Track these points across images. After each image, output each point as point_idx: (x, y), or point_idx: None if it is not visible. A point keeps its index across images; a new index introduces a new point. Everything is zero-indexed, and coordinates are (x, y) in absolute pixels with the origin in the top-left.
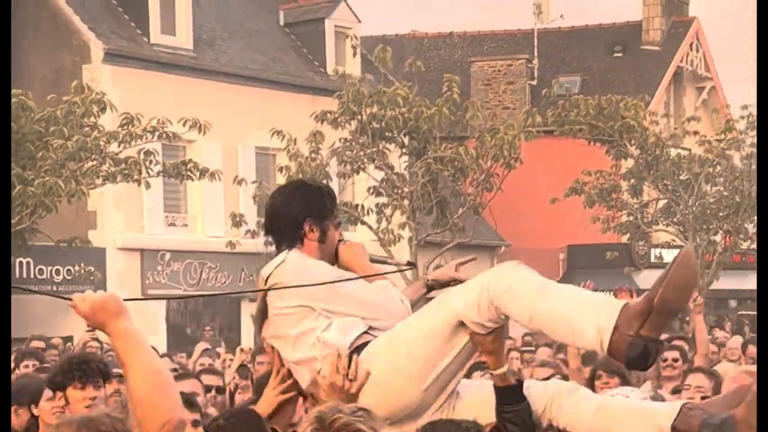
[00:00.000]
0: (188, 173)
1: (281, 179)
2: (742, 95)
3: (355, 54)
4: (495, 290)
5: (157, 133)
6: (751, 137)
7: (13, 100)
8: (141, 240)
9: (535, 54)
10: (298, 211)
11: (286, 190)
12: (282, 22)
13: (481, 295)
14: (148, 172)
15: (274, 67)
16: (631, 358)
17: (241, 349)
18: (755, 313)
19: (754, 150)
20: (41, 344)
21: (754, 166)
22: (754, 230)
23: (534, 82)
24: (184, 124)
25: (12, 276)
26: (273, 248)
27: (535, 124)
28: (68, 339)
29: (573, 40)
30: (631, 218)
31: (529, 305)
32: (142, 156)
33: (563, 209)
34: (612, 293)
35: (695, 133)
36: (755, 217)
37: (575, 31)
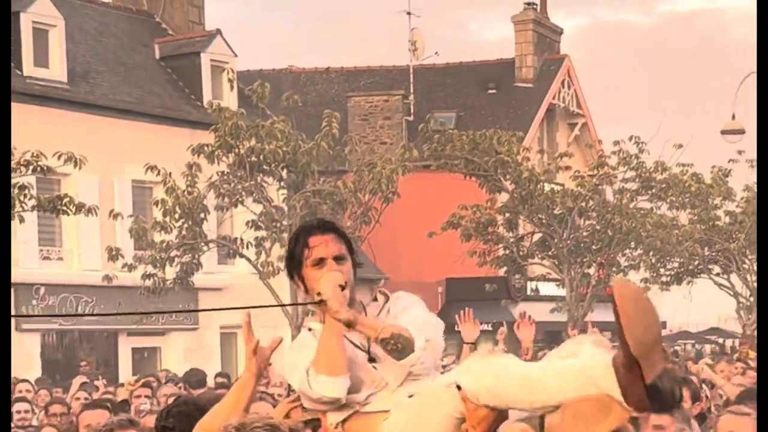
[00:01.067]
0: (63, 208)
1: (158, 213)
2: (612, 131)
3: (232, 88)
4: (479, 391)
5: (31, 167)
6: (622, 172)
7: None
8: (15, 274)
9: (411, 90)
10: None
11: None
12: (158, 56)
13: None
14: (22, 207)
15: (150, 101)
16: (658, 398)
17: (129, 383)
18: None
19: (625, 185)
20: None
21: (625, 201)
22: (627, 263)
23: (410, 118)
24: (59, 158)
25: None
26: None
27: (412, 158)
28: None
29: (448, 77)
30: (508, 252)
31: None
32: (16, 190)
33: (441, 243)
34: (489, 325)
35: (568, 168)
36: (627, 250)
37: (450, 67)
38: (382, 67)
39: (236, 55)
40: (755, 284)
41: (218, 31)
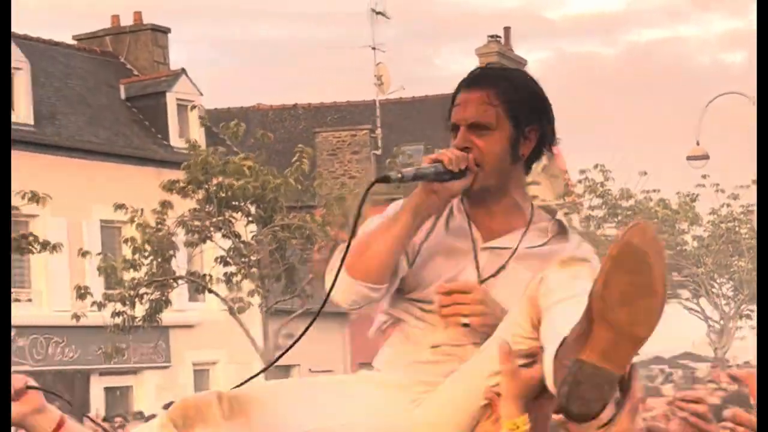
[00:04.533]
0: (29, 247)
1: (127, 251)
2: (579, 159)
3: (202, 125)
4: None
5: None
6: (588, 200)
7: None
8: None
9: (378, 124)
10: None
11: None
12: (123, 96)
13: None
14: None
15: (117, 141)
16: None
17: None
18: None
19: (592, 212)
20: None
21: (592, 228)
22: None
23: (378, 152)
24: (22, 197)
25: None
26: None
27: (381, 192)
28: None
29: (414, 110)
30: None
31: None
32: None
33: None
34: None
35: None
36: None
37: (416, 101)
38: (349, 102)
39: (202, 94)
40: (725, 307)
41: (183, 71)
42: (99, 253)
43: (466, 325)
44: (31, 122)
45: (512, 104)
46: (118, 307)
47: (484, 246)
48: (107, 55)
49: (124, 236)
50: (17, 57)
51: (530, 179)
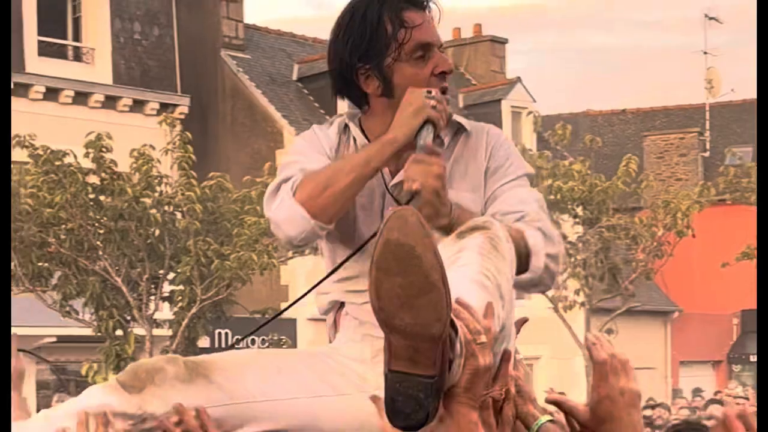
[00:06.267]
0: None
1: None
2: None
3: (535, 130)
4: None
5: None
6: None
7: (212, 182)
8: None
9: (707, 127)
10: (347, 50)
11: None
12: (461, 105)
13: None
14: None
15: None
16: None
17: None
18: None
19: None
20: None
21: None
22: None
23: (706, 154)
24: None
25: (212, 347)
26: None
27: (709, 196)
28: None
29: (744, 112)
30: None
31: None
32: None
33: (735, 274)
34: None
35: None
36: None
37: (746, 103)
38: (678, 106)
39: (535, 101)
40: None
41: (518, 79)
42: None
43: (416, 193)
44: None
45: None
46: None
47: (393, 183)
48: None
49: None
50: None
51: None
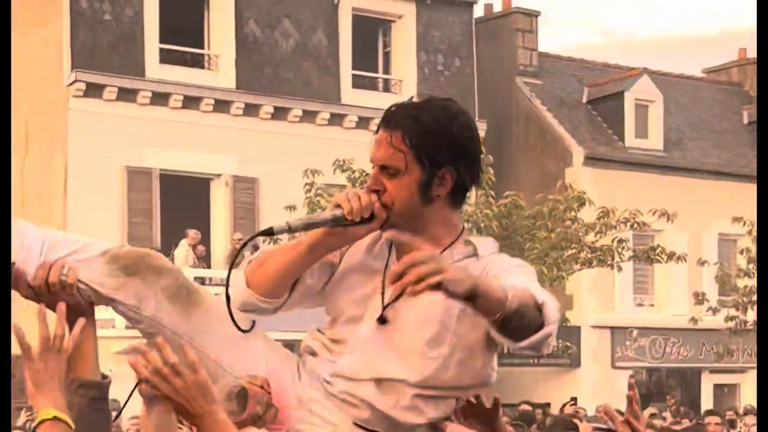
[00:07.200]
0: (656, 257)
1: (742, 260)
2: None
3: None
4: None
5: (629, 223)
6: None
7: (507, 200)
8: (612, 318)
9: None
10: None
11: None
12: (746, 121)
13: None
14: (620, 258)
15: (737, 161)
16: None
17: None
18: None
19: None
20: (528, 408)
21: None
22: None
23: None
24: (653, 215)
25: None
26: None
27: None
28: (545, 405)
29: None
30: None
31: None
32: (615, 243)
33: None
34: None
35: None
36: None
37: None
38: None
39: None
40: None
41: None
42: (716, 263)
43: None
44: (661, 147)
45: (420, 148)
46: (731, 312)
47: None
48: (732, 84)
49: (740, 247)
50: (650, 90)
51: None
